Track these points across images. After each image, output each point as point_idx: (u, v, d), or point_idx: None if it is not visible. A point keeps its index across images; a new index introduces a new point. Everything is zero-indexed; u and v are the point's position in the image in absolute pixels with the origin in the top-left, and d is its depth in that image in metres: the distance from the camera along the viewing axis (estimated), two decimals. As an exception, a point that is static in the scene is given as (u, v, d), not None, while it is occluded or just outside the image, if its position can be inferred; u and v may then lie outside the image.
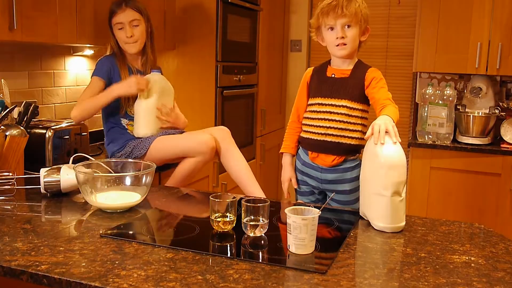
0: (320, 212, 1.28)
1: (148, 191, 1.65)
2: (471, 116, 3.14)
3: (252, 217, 1.36)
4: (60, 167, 1.72)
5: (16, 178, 1.75)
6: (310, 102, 1.96)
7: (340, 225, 1.53)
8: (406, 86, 3.82)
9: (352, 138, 1.87)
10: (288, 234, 1.26)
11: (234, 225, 1.40)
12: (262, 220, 1.36)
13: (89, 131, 2.42)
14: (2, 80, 2.11)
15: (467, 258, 1.28)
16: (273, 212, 1.60)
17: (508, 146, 3.03)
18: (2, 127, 1.94)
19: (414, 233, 1.46)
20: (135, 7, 2.22)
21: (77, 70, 2.71)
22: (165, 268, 1.16)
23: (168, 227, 1.51)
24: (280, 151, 2.09)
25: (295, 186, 2.03)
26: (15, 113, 2.06)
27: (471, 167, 3.03)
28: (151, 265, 1.17)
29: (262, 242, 1.35)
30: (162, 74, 2.38)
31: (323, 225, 1.50)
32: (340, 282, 1.11)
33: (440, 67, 3.20)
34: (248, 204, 1.36)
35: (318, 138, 1.90)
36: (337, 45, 1.84)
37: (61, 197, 1.72)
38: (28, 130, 2.06)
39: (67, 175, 1.70)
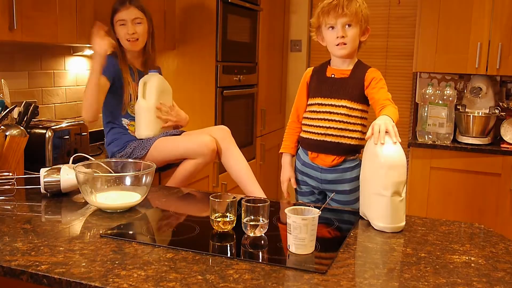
0: (320, 212, 1.28)
1: (148, 191, 1.65)
2: (471, 116, 3.14)
3: (252, 217, 1.36)
4: (60, 167, 1.72)
5: (16, 178, 1.75)
6: (309, 102, 1.96)
7: (340, 225, 1.53)
8: (406, 86, 3.82)
9: (352, 138, 1.87)
10: (288, 234, 1.26)
11: (234, 225, 1.40)
12: (262, 220, 1.36)
13: (89, 131, 2.43)
14: (2, 80, 2.11)
15: (467, 258, 1.28)
16: (273, 212, 1.60)
17: (508, 146, 3.03)
18: (2, 127, 1.94)
19: (414, 233, 1.46)
20: (139, 6, 2.23)
21: (77, 70, 2.71)
22: (165, 268, 1.16)
23: (168, 227, 1.51)
24: (279, 151, 2.09)
25: (295, 186, 2.03)
26: (15, 113, 2.06)
27: (471, 167, 3.03)
28: (151, 265, 1.17)
29: (262, 242, 1.35)
30: (161, 73, 2.38)
31: (323, 225, 1.50)
32: (340, 282, 1.11)
33: (440, 67, 3.20)
34: (248, 204, 1.36)
35: (318, 138, 1.90)
36: (337, 45, 1.84)
37: (61, 197, 1.72)
38: (28, 130, 2.06)
39: (67, 175, 1.70)
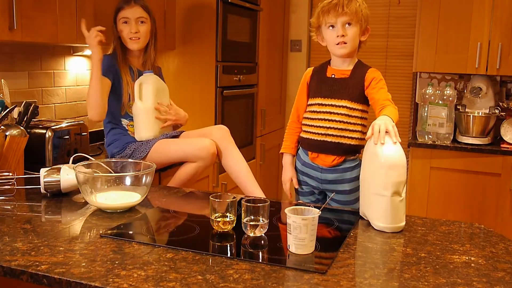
0: (320, 212, 1.28)
1: (148, 191, 1.65)
2: (471, 116, 3.14)
3: (252, 217, 1.36)
4: (60, 167, 1.72)
5: (16, 178, 1.75)
6: (310, 102, 1.96)
7: (340, 225, 1.53)
8: (406, 86, 3.82)
9: (352, 138, 1.87)
10: (288, 234, 1.26)
11: (234, 225, 1.40)
12: (262, 220, 1.36)
13: (89, 131, 2.43)
14: (2, 80, 2.11)
15: (467, 258, 1.28)
16: (273, 212, 1.60)
17: (508, 146, 3.03)
18: (2, 127, 1.94)
19: (414, 233, 1.46)
20: (144, 6, 2.23)
21: (77, 70, 2.71)
22: (165, 268, 1.16)
23: (168, 227, 1.51)
24: (280, 152, 2.09)
25: (296, 186, 2.03)
26: (15, 113, 2.06)
27: (471, 167, 3.03)
28: (151, 265, 1.17)
29: (262, 242, 1.35)
30: (161, 74, 2.38)
31: (323, 225, 1.50)
32: (340, 282, 1.11)
33: (440, 67, 3.20)
34: (248, 204, 1.36)
35: (318, 138, 1.90)
36: (338, 44, 1.84)
37: (61, 197, 1.72)
38: (28, 130, 2.06)
39: (67, 175, 1.70)
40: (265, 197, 2.02)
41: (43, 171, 1.71)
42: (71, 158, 1.88)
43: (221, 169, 2.63)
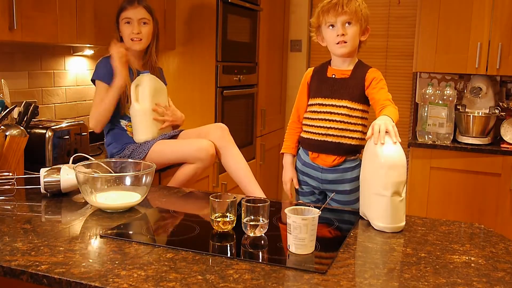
0: (320, 212, 1.28)
1: (148, 191, 1.65)
2: (471, 116, 3.14)
3: (252, 217, 1.36)
4: (60, 167, 1.72)
5: (16, 178, 1.75)
6: (310, 102, 1.96)
7: (340, 225, 1.53)
8: (406, 86, 3.82)
9: (353, 138, 1.87)
10: (288, 234, 1.26)
11: (234, 225, 1.40)
12: (262, 220, 1.36)
13: (89, 131, 2.42)
14: (2, 80, 2.11)
15: (467, 258, 1.28)
16: (273, 212, 1.60)
17: (508, 146, 3.03)
18: (2, 127, 1.94)
19: (414, 233, 1.46)
20: (147, 7, 2.23)
21: (77, 70, 2.71)
22: (165, 268, 1.16)
23: (168, 227, 1.51)
24: (280, 152, 2.09)
25: (296, 187, 2.03)
26: (15, 113, 2.06)
27: (471, 167, 3.03)
28: (151, 265, 1.17)
29: (262, 242, 1.35)
30: (162, 75, 2.37)
31: (323, 225, 1.50)
32: (340, 282, 1.11)
33: (440, 67, 3.20)
34: (248, 204, 1.36)
35: (319, 139, 1.90)
36: (338, 43, 1.84)
37: (61, 197, 1.72)
38: (28, 130, 2.06)
39: (67, 175, 1.70)
40: (264, 196, 2.03)
41: (43, 171, 1.71)
42: (71, 158, 1.88)
43: (221, 169, 2.63)
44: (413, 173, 3.14)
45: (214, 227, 1.40)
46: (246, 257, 1.24)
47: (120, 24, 2.21)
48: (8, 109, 1.99)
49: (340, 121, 1.86)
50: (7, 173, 1.75)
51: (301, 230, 1.23)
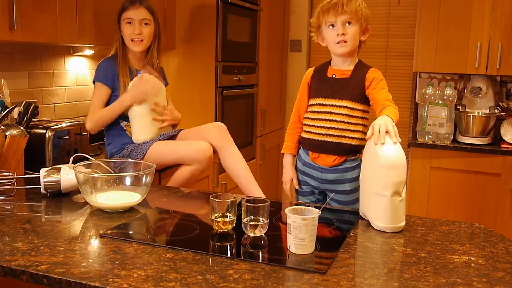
0: (320, 212, 1.28)
1: (148, 191, 1.65)
2: (471, 116, 3.14)
3: (252, 217, 1.36)
4: (60, 167, 1.72)
5: (16, 178, 1.75)
6: (310, 102, 1.96)
7: (340, 225, 1.53)
8: (406, 86, 3.82)
9: (353, 138, 1.87)
10: (288, 234, 1.26)
11: (234, 225, 1.40)
12: (262, 220, 1.36)
13: (89, 131, 2.43)
14: (2, 80, 2.11)
15: (467, 258, 1.28)
16: (273, 212, 1.60)
17: (508, 146, 3.03)
18: (2, 127, 1.94)
19: (414, 233, 1.46)
20: (148, 7, 2.22)
21: (77, 70, 2.71)
22: (165, 268, 1.16)
23: (168, 227, 1.51)
24: (281, 152, 2.09)
25: (296, 187, 2.03)
26: (15, 113, 2.06)
27: (471, 167, 3.03)
28: (151, 265, 1.17)
29: (262, 242, 1.35)
30: (164, 75, 2.37)
31: (323, 225, 1.50)
32: (340, 282, 1.11)
33: (440, 67, 3.20)
34: (248, 204, 1.36)
35: (319, 139, 1.90)
36: (338, 43, 1.84)
37: (61, 197, 1.72)
38: (28, 130, 2.06)
39: (67, 175, 1.70)
40: (264, 196, 2.03)
41: (43, 171, 1.71)
42: (71, 158, 1.88)
43: (221, 169, 2.63)
44: (413, 173, 3.14)
45: (214, 227, 1.40)
46: (246, 257, 1.24)
47: (122, 24, 2.21)
48: (8, 109, 1.99)
49: (341, 121, 1.86)
50: (7, 173, 1.75)
51: (301, 230, 1.23)
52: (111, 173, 1.72)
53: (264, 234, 1.37)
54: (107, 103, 2.20)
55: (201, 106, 3.05)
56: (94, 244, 1.30)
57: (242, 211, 1.37)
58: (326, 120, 1.88)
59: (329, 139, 1.88)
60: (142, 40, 2.20)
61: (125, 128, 2.24)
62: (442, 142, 3.10)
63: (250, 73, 3.43)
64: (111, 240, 1.33)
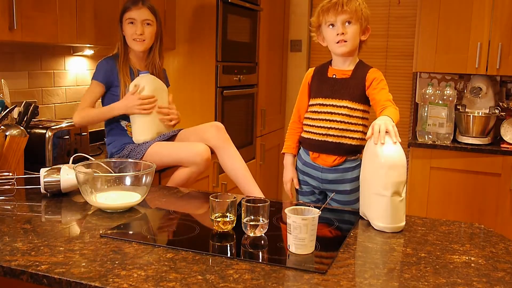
0: (320, 212, 1.28)
1: (148, 191, 1.65)
2: (471, 116, 3.14)
3: (252, 217, 1.36)
4: (60, 167, 1.72)
5: (16, 178, 1.75)
6: (311, 102, 1.96)
7: (340, 225, 1.53)
8: (406, 86, 3.82)
9: (353, 138, 1.87)
10: (288, 234, 1.26)
11: (234, 225, 1.40)
12: (262, 220, 1.36)
13: (89, 131, 2.43)
14: (2, 80, 2.11)
15: (467, 258, 1.28)
16: (273, 212, 1.60)
17: (508, 146, 3.03)
18: (2, 127, 1.94)
19: (414, 233, 1.46)
20: (151, 8, 2.22)
21: (77, 70, 2.71)
22: (165, 268, 1.16)
23: (168, 227, 1.51)
24: (281, 152, 2.09)
25: (297, 187, 2.03)
26: (15, 113, 2.06)
27: (471, 167, 3.03)
28: (151, 265, 1.17)
29: (262, 242, 1.35)
30: (166, 76, 2.36)
31: (323, 225, 1.50)
32: (340, 282, 1.11)
33: (440, 67, 3.20)
34: (248, 204, 1.36)
35: (319, 139, 1.90)
36: (338, 42, 1.84)
37: (61, 197, 1.72)
38: (28, 130, 2.06)
39: (67, 175, 1.70)
40: (263, 195, 2.03)
41: (43, 171, 1.71)
42: (71, 158, 1.88)
43: (221, 169, 2.63)
44: (413, 173, 3.14)
45: (214, 227, 1.40)
46: (246, 257, 1.24)
47: (124, 24, 2.20)
48: (8, 109, 1.99)
49: (341, 121, 1.86)
50: (7, 173, 1.75)
51: (301, 230, 1.23)
52: (111, 173, 1.72)
53: (264, 234, 1.37)
54: (104, 100, 2.22)
55: (201, 106, 3.05)
56: (94, 244, 1.30)
57: (242, 211, 1.37)
58: (326, 120, 1.88)
59: (329, 139, 1.88)
60: (144, 40, 2.20)
61: (125, 128, 2.24)
62: (442, 142, 3.10)
63: (250, 73, 3.43)
64: (111, 240, 1.33)
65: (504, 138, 3.09)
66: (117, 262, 1.18)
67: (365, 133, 1.86)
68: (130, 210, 1.60)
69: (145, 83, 2.19)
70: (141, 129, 2.20)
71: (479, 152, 3.01)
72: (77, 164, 1.64)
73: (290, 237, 1.25)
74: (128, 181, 1.63)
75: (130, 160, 1.85)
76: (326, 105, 1.89)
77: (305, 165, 1.97)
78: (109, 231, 1.39)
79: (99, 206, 1.58)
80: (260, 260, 1.23)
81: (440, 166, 3.09)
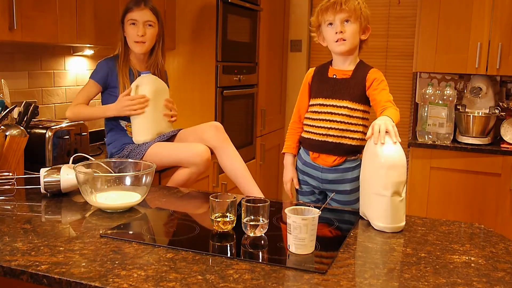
0: (320, 212, 1.28)
1: (148, 191, 1.65)
2: (471, 116, 3.14)
3: (252, 217, 1.36)
4: (60, 167, 1.72)
5: (16, 178, 1.75)
6: (311, 102, 1.96)
7: (340, 225, 1.53)
8: (406, 86, 3.82)
9: (353, 138, 1.87)
10: (288, 234, 1.26)
11: (234, 225, 1.40)
12: (262, 220, 1.36)
13: (89, 131, 2.43)
14: (2, 80, 2.11)
15: (467, 258, 1.28)
16: (273, 212, 1.60)
17: (508, 146, 3.03)
18: (2, 127, 1.94)
19: (414, 233, 1.46)
20: (153, 9, 2.22)
21: (77, 70, 2.72)
22: (165, 268, 1.16)
23: (168, 227, 1.51)
24: (282, 152, 2.09)
25: (297, 187, 2.03)
26: (15, 113, 2.06)
27: (471, 167, 3.03)
28: (151, 265, 1.17)
29: (262, 242, 1.35)
30: (166, 77, 2.36)
31: (323, 225, 1.50)
32: (340, 282, 1.11)
33: (440, 67, 3.20)
34: (248, 204, 1.36)
35: (319, 139, 1.90)
36: (337, 41, 1.84)
37: (61, 197, 1.72)
38: (28, 130, 2.06)
39: (67, 175, 1.70)
40: (262, 195, 2.03)
41: (43, 171, 1.71)
42: (71, 158, 1.88)
43: (221, 169, 2.63)
44: (413, 173, 3.14)
45: (214, 227, 1.40)
46: (246, 257, 1.24)
47: (125, 25, 2.20)
48: (8, 109, 1.99)
49: (341, 122, 1.86)
50: (7, 173, 1.75)
51: (301, 230, 1.23)
52: (111, 173, 1.72)
53: (264, 234, 1.37)
54: (102, 100, 2.24)
55: (201, 106, 3.05)
56: (94, 244, 1.30)
57: (242, 211, 1.37)
58: (326, 120, 1.88)
59: (329, 139, 1.88)
60: (144, 42, 2.20)
61: (125, 128, 2.24)
62: (442, 142, 3.10)
63: (250, 73, 3.43)
64: (111, 240, 1.33)
65: (504, 138, 3.09)
66: (117, 262, 1.18)
67: (365, 133, 1.86)
68: (130, 210, 1.60)
69: (147, 83, 2.19)
70: (141, 129, 2.20)
71: (479, 152, 3.01)
72: (77, 164, 1.64)
73: (290, 237, 1.25)
74: (128, 181, 1.63)
75: (130, 160, 1.85)
76: (326, 105, 1.89)
77: (305, 165, 1.97)
78: (109, 231, 1.39)
79: (99, 206, 1.58)
80: (260, 260, 1.23)
81: (440, 166, 3.09)
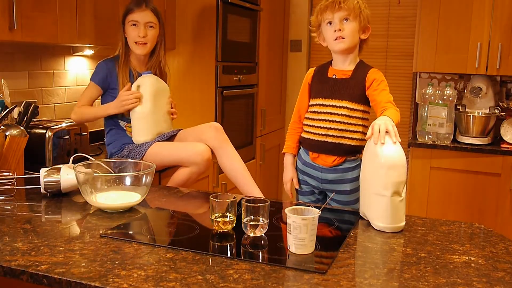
0: (320, 212, 1.28)
1: (148, 191, 1.65)
2: (471, 116, 3.14)
3: (252, 217, 1.36)
4: (60, 167, 1.72)
5: (16, 178, 1.75)
6: (311, 102, 1.96)
7: (340, 225, 1.53)
8: (406, 86, 3.82)
9: (353, 139, 1.87)
10: (288, 234, 1.26)
11: (234, 225, 1.40)
12: (262, 220, 1.36)
13: (89, 131, 2.43)
14: (2, 80, 2.11)
15: (467, 258, 1.28)
16: (273, 212, 1.60)
17: (508, 146, 3.03)
18: (2, 127, 1.94)
19: (414, 233, 1.46)
20: (154, 10, 2.21)
21: (77, 70, 2.72)
22: (165, 268, 1.16)
23: (168, 227, 1.51)
24: (282, 152, 2.09)
25: (297, 187, 2.03)
26: (15, 113, 2.06)
27: (471, 167, 3.03)
28: (151, 265, 1.17)
29: (262, 242, 1.35)
30: (167, 79, 2.37)
31: (323, 225, 1.50)
32: (340, 282, 1.11)
33: (440, 67, 3.20)
34: (248, 204, 1.36)
35: (319, 139, 1.90)
36: (335, 39, 1.84)
37: (61, 197, 1.72)
38: (28, 130, 2.06)
39: (67, 175, 1.70)
40: (262, 195, 2.03)
41: (43, 171, 1.71)
42: (71, 158, 1.88)
43: (221, 169, 2.63)
44: (413, 173, 3.14)
45: (214, 227, 1.40)
46: (246, 257, 1.24)
47: (126, 26, 2.20)
48: (8, 109, 1.99)
49: (341, 122, 1.86)
50: (7, 173, 1.75)
51: (301, 230, 1.24)
52: (111, 173, 1.72)
53: (264, 234, 1.37)
54: (102, 100, 2.24)
55: (201, 106, 3.05)
56: (94, 244, 1.30)
57: (242, 211, 1.37)
58: (326, 120, 1.88)
59: (329, 139, 1.88)
60: (145, 43, 2.19)
61: (125, 129, 2.24)
62: (442, 142, 3.10)
63: (250, 73, 3.43)
64: (111, 240, 1.33)
65: (504, 138, 3.09)
66: (117, 262, 1.18)
67: (365, 134, 1.86)
68: (130, 210, 1.60)
69: (148, 83, 2.19)
70: (141, 129, 2.20)
71: (479, 152, 3.01)
72: (77, 164, 1.64)
73: (290, 237, 1.25)
74: (128, 181, 1.63)
75: (130, 160, 1.85)
76: (326, 105, 1.89)
77: (305, 165, 1.97)
78: (109, 231, 1.39)
79: (99, 206, 1.58)
80: (260, 260, 1.23)
81: (440, 166, 3.09)
